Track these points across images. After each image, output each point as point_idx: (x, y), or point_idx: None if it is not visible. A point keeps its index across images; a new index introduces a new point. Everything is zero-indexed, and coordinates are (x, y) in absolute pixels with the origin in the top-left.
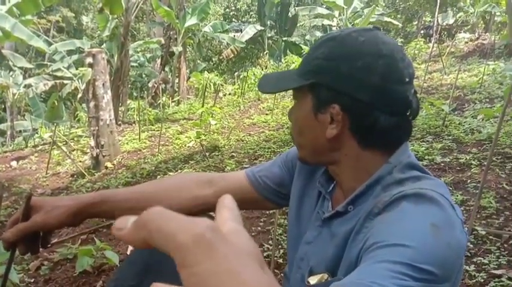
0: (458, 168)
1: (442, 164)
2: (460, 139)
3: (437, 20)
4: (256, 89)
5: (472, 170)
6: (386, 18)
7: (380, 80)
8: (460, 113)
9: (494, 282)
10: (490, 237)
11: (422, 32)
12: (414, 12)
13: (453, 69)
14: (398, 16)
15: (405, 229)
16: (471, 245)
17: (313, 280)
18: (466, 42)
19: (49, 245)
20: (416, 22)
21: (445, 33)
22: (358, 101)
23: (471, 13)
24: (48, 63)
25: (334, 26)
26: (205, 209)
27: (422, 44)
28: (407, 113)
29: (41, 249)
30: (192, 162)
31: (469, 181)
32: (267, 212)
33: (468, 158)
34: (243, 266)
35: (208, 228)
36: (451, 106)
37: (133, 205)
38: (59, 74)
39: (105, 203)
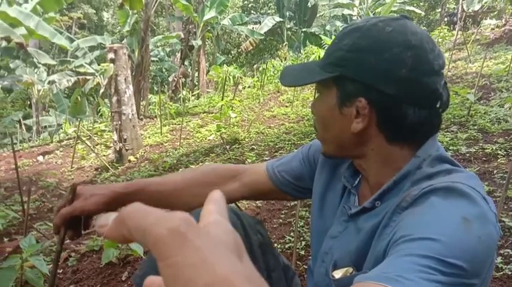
0: (484, 158)
1: (468, 155)
2: (486, 129)
3: (462, 6)
4: (276, 81)
5: (498, 160)
6: (408, 7)
7: (409, 72)
8: (486, 102)
9: None
10: None
11: (446, 19)
12: (437, 0)
13: (478, 57)
14: (421, 4)
15: (433, 223)
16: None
17: (337, 273)
18: (493, 29)
19: (88, 230)
20: (439, 9)
21: (470, 20)
22: (386, 94)
23: None
24: (71, 60)
25: (355, 15)
26: (230, 202)
27: (446, 32)
28: (437, 106)
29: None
30: (212, 155)
31: (495, 171)
32: (289, 204)
33: (494, 148)
34: (218, 258)
35: (182, 221)
36: (477, 95)
37: (166, 197)
38: (81, 70)
39: (139, 193)
